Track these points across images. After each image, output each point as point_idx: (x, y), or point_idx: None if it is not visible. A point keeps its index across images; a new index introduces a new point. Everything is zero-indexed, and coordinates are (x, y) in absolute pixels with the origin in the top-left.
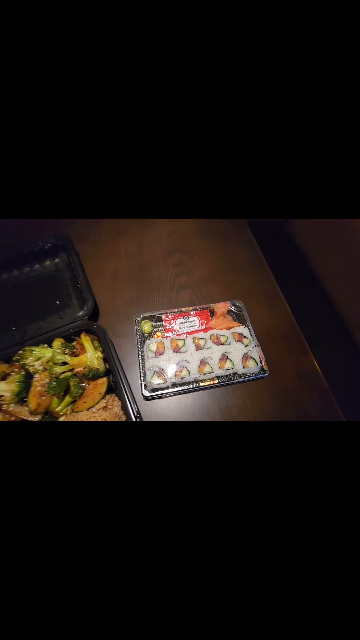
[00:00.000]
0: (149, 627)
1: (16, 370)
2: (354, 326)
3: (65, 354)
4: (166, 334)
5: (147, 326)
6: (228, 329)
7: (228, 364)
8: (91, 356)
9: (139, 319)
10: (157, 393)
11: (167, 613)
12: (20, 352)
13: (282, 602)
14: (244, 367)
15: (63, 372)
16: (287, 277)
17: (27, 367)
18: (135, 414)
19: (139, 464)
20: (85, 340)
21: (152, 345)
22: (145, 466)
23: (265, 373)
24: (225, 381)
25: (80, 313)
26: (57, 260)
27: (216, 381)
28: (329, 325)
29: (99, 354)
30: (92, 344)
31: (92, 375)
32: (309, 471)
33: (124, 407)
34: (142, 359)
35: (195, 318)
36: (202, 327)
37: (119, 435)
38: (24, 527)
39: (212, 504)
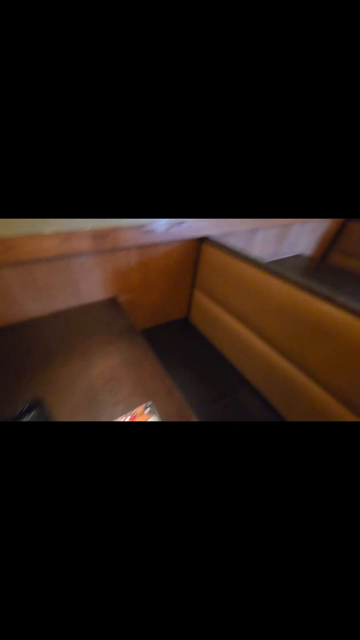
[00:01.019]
0: (149, 626)
1: None
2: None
3: None
4: None
5: None
6: (146, 420)
7: None
8: None
9: None
10: None
11: (165, 612)
12: None
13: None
14: None
15: None
16: (198, 356)
17: None
18: None
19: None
20: None
21: None
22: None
23: None
24: None
25: None
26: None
27: None
28: (233, 383)
29: None
30: None
31: None
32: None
33: None
34: None
35: (128, 420)
36: None
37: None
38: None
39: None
